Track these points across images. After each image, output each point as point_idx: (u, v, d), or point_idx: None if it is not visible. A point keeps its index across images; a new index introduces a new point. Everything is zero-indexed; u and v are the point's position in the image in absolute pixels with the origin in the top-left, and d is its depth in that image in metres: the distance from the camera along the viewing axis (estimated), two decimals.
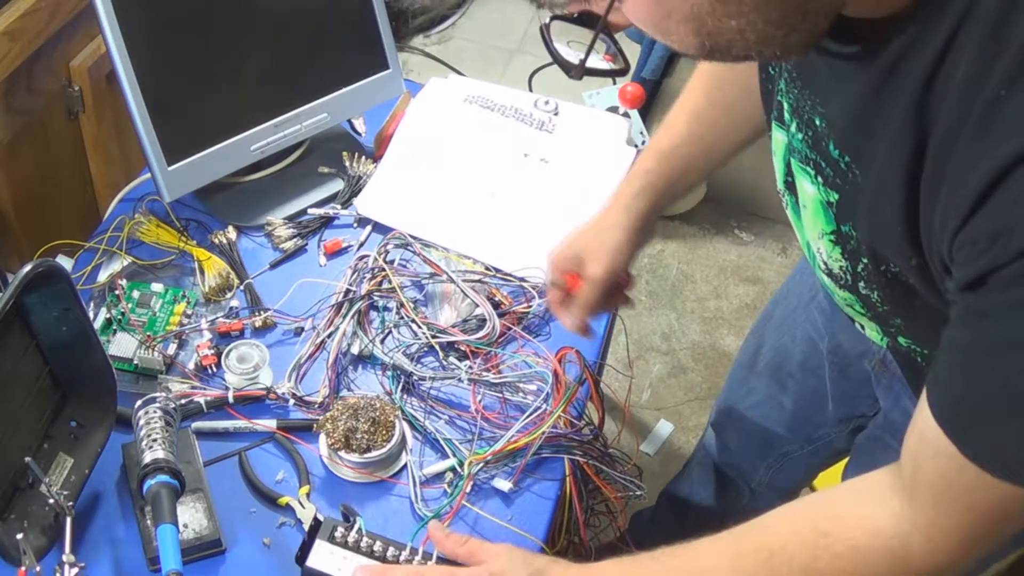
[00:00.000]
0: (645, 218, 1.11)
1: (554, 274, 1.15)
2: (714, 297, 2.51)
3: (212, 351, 1.16)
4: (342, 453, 1.05)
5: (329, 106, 1.39)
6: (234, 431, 1.11)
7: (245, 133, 1.31)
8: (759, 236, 2.66)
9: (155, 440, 0.97)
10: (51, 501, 0.94)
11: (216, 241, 1.31)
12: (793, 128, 0.83)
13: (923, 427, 0.69)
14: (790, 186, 0.88)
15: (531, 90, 1.54)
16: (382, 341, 1.20)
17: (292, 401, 1.13)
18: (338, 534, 0.98)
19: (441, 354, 1.18)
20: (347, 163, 1.42)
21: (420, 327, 1.21)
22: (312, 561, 0.96)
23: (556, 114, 1.48)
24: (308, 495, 1.05)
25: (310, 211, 1.37)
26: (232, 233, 1.32)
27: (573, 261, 1.13)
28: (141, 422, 0.99)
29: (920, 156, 0.65)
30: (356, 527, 0.98)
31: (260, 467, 1.08)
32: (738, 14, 0.61)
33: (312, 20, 1.35)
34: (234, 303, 1.24)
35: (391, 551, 0.97)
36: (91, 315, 1.15)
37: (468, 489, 1.06)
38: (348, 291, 1.24)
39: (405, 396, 1.15)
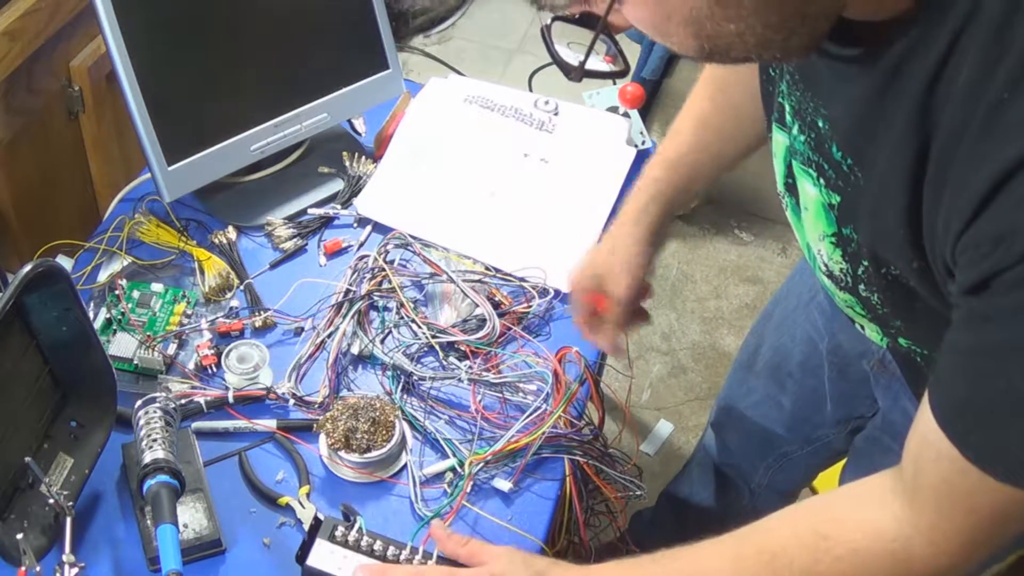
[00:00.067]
0: (657, 229, 1.13)
1: (578, 298, 1.17)
2: (714, 297, 2.51)
3: (212, 351, 1.16)
4: (342, 453, 1.05)
5: (329, 106, 1.39)
6: (234, 431, 1.11)
7: (245, 133, 1.31)
8: (759, 236, 2.67)
9: (155, 440, 0.97)
10: (51, 501, 0.94)
11: (216, 241, 1.31)
12: (795, 130, 0.82)
13: (925, 430, 0.69)
14: (791, 188, 0.88)
15: (531, 90, 1.54)
16: (382, 341, 1.20)
17: (292, 401, 1.13)
18: (338, 533, 0.98)
19: (441, 354, 1.18)
20: (347, 163, 1.42)
21: (420, 327, 1.21)
22: (312, 560, 0.96)
23: (556, 114, 1.48)
24: (308, 495, 1.05)
25: (310, 211, 1.36)
26: (232, 233, 1.32)
27: (593, 282, 1.15)
28: (141, 422, 0.99)
29: (923, 159, 0.65)
30: (356, 526, 0.98)
31: (260, 467, 1.08)
32: (737, 18, 0.61)
33: (312, 20, 1.35)
34: (234, 303, 1.24)
35: (391, 550, 0.97)
36: (91, 315, 1.15)
37: (468, 489, 1.06)
38: (348, 291, 1.24)
39: (405, 396, 1.15)
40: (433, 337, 1.19)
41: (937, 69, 0.62)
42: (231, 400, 1.12)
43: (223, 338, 1.20)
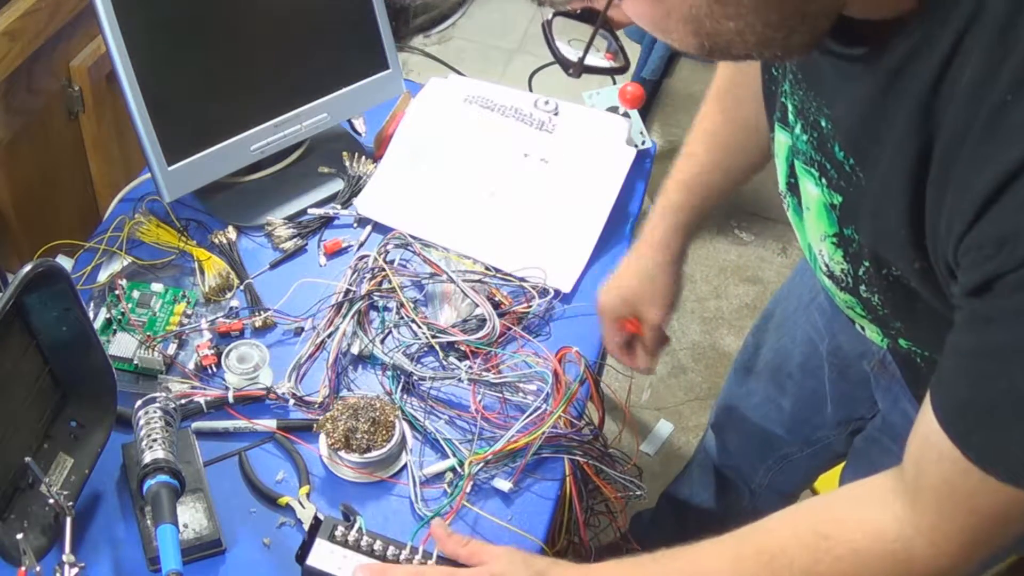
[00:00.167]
0: (682, 253, 1.20)
1: (611, 324, 1.23)
2: (714, 297, 2.51)
3: (212, 351, 1.16)
4: (342, 453, 1.05)
5: (329, 106, 1.39)
6: (234, 431, 1.11)
7: (245, 133, 1.31)
8: (759, 236, 2.67)
9: (155, 440, 0.97)
10: (51, 501, 0.94)
11: (216, 241, 1.30)
12: (798, 129, 0.82)
13: (926, 431, 0.69)
14: (792, 188, 0.88)
15: (531, 90, 1.54)
16: (382, 341, 1.20)
17: (292, 401, 1.13)
18: (338, 533, 0.98)
19: (441, 354, 1.18)
20: (347, 163, 1.42)
21: (420, 327, 1.21)
22: (312, 560, 0.96)
23: (556, 114, 1.48)
24: (308, 495, 1.05)
25: (310, 211, 1.36)
26: (232, 233, 1.32)
27: (625, 308, 1.21)
28: (141, 422, 0.99)
29: (925, 160, 0.65)
30: (356, 526, 0.98)
31: (260, 467, 1.08)
32: (736, 16, 0.60)
33: (312, 20, 1.35)
34: (234, 303, 1.24)
35: (391, 550, 0.97)
36: (91, 315, 1.15)
37: (468, 489, 1.06)
38: (348, 291, 1.24)
39: (405, 396, 1.15)
40: (433, 337, 1.19)
41: (940, 69, 0.62)
42: (231, 400, 1.12)
43: (223, 338, 1.20)
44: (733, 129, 1.12)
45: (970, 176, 0.60)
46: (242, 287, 1.26)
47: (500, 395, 1.14)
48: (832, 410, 1.28)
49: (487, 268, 1.30)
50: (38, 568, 0.88)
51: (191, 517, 1.00)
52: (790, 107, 0.83)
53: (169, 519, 0.91)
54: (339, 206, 1.37)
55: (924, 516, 0.72)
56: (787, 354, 1.31)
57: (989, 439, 0.65)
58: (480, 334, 1.19)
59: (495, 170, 1.42)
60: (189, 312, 1.22)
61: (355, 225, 1.36)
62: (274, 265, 1.31)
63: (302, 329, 1.22)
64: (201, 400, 1.11)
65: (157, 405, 1.00)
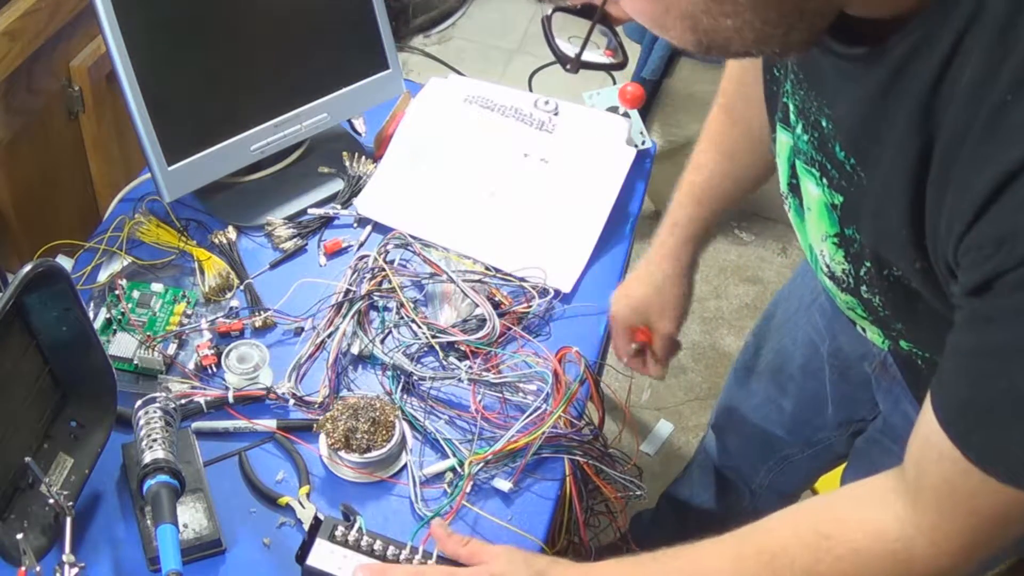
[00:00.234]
0: (692, 264, 1.23)
1: (622, 332, 1.26)
2: (714, 297, 2.51)
3: (212, 351, 1.16)
4: (342, 453, 1.05)
5: (329, 106, 1.39)
6: (234, 431, 1.11)
7: (245, 133, 1.31)
8: (759, 236, 2.66)
9: (155, 440, 0.97)
10: (51, 501, 0.94)
11: (216, 241, 1.30)
12: (799, 129, 0.82)
13: (927, 431, 0.69)
14: (794, 188, 0.88)
15: (531, 90, 1.54)
16: (382, 341, 1.20)
17: (292, 401, 1.12)
18: (338, 533, 0.98)
19: (441, 354, 1.18)
20: (347, 163, 1.42)
21: (420, 327, 1.21)
22: (312, 560, 0.96)
23: (556, 114, 1.48)
24: (308, 495, 1.05)
25: (310, 211, 1.36)
26: (232, 233, 1.32)
27: (636, 317, 1.24)
28: (141, 422, 0.99)
29: (926, 160, 0.65)
30: (356, 526, 0.98)
31: (260, 467, 1.08)
32: (733, 13, 0.60)
33: (312, 20, 1.35)
34: (234, 303, 1.24)
35: (391, 550, 0.97)
36: (91, 315, 1.15)
37: (468, 489, 1.06)
38: (348, 291, 1.24)
39: (405, 396, 1.15)
40: (433, 337, 1.19)
41: (941, 69, 0.62)
42: (231, 400, 1.12)
43: (223, 338, 1.20)
44: (739, 131, 1.12)
45: (970, 176, 0.60)
46: (242, 287, 1.26)
47: (500, 395, 1.14)
48: (833, 411, 1.28)
49: (487, 268, 1.30)
50: (38, 568, 0.88)
51: (191, 517, 1.00)
52: (791, 107, 0.83)
53: (169, 519, 0.91)
54: (339, 206, 1.37)
55: (925, 516, 0.72)
56: (788, 355, 1.31)
57: (989, 439, 0.65)
58: (480, 334, 1.19)
59: (495, 170, 1.42)
60: (189, 312, 1.22)
61: (355, 225, 1.36)
62: (274, 265, 1.30)
63: (302, 329, 1.22)
64: (201, 400, 1.11)
65: (157, 405, 1.00)
